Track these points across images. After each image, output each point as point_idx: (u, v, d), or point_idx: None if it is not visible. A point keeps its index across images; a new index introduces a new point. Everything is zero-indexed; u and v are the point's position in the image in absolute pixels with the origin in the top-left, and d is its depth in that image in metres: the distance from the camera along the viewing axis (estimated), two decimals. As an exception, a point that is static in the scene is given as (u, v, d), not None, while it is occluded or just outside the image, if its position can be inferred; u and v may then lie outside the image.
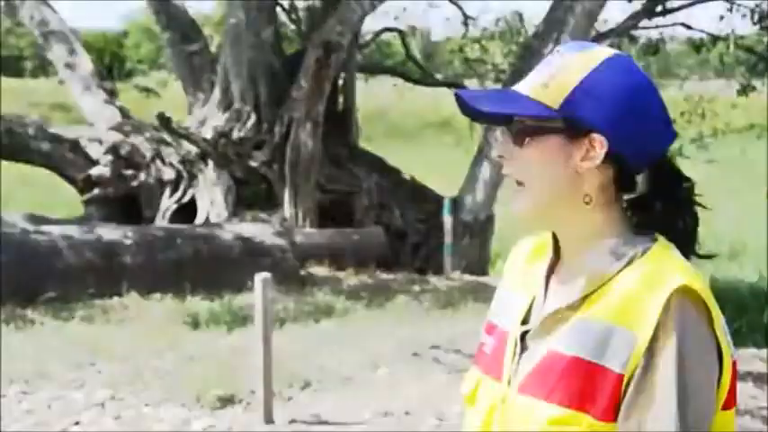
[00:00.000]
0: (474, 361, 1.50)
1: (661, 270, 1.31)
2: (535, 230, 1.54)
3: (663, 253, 1.36)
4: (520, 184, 1.37)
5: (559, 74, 1.35)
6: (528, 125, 1.35)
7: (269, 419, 5.09)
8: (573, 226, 1.38)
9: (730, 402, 1.33)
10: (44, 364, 5.87)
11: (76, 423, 5.06)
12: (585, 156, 1.34)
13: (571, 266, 1.39)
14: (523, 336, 1.40)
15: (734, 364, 1.32)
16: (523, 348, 1.39)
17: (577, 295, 1.35)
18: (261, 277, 5.18)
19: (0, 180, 14.08)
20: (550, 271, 1.43)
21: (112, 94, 11.89)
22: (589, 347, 1.29)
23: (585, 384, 1.29)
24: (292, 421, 5.15)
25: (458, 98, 1.37)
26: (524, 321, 1.42)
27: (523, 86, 1.37)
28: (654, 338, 1.26)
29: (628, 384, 1.28)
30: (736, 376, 1.33)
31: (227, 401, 5.33)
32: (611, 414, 1.28)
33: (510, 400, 1.37)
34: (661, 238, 1.37)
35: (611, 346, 1.28)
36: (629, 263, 1.34)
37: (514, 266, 1.52)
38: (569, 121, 1.34)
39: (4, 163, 12.08)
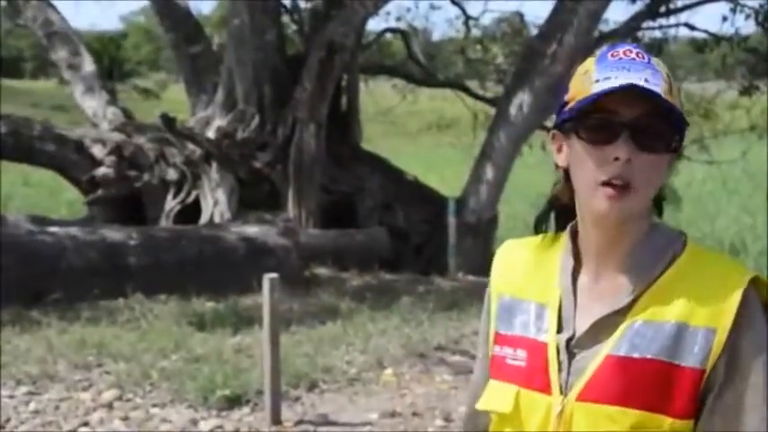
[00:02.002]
0: (495, 375, 1.45)
1: (719, 265, 1.36)
2: (522, 233, 1.54)
3: (699, 248, 1.40)
4: (627, 187, 1.31)
5: (667, 81, 1.33)
6: (668, 130, 1.33)
7: (276, 420, 5.10)
8: (634, 228, 1.37)
9: None
10: (51, 365, 5.88)
11: (85, 424, 5.07)
12: (671, 161, 1.37)
13: (606, 270, 1.39)
14: (566, 343, 1.38)
15: None
16: (570, 357, 1.37)
17: (627, 298, 1.35)
18: (268, 278, 5.19)
19: (1, 181, 14.09)
20: (574, 277, 1.41)
21: (113, 96, 11.91)
22: (662, 348, 1.31)
23: (662, 385, 1.30)
24: (299, 422, 5.16)
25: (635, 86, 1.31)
26: (557, 330, 1.40)
27: (649, 85, 1.31)
28: (734, 332, 1.29)
29: (708, 378, 1.30)
30: None
31: (234, 402, 5.33)
32: (691, 411, 1.30)
33: (569, 411, 1.34)
34: (683, 232, 1.41)
35: (687, 344, 1.30)
36: (672, 260, 1.36)
37: (511, 272, 1.50)
38: (682, 135, 1.36)
39: (5, 163, 12.09)
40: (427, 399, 5.55)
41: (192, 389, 5.43)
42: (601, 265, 1.38)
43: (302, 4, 12.24)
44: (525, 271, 1.48)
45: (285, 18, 12.13)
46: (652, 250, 1.36)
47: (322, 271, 9.13)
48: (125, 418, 5.15)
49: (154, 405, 5.33)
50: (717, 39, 12.60)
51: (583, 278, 1.41)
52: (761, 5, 11.61)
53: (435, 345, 6.58)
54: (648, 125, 1.31)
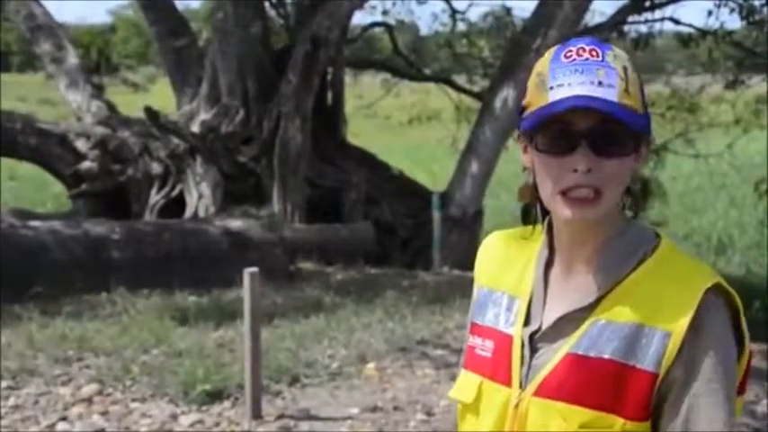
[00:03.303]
0: (466, 364, 1.46)
1: (684, 268, 1.33)
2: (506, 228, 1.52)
3: (672, 249, 1.37)
4: (598, 193, 1.29)
5: (623, 77, 1.30)
6: (628, 132, 1.29)
7: (257, 415, 5.09)
8: (604, 226, 1.36)
9: (741, 389, 1.36)
10: (31, 359, 5.85)
11: (63, 418, 5.05)
12: (637, 158, 1.34)
13: (576, 265, 1.38)
14: (530, 337, 1.38)
15: (750, 353, 1.35)
16: (533, 351, 1.37)
17: (592, 297, 1.34)
18: (249, 272, 5.17)
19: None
20: (547, 269, 1.41)
21: (99, 89, 11.85)
22: (618, 349, 1.29)
23: (616, 385, 1.29)
24: (280, 416, 5.14)
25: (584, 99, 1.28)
26: (525, 322, 1.40)
27: (603, 92, 1.27)
28: (690, 337, 1.28)
29: (662, 382, 1.29)
30: (750, 365, 1.36)
31: (214, 397, 5.32)
32: (643, 413, 1.29)
33: (525, 405, 1.34)
34: (661, 232, 1.39)
35: (642, 346, 1.29)
36: (641, 261, 1.35)
37: (490, 263, 1.50)
38: (646, 129, 1.33)
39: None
40: (409, 393, 5.55)
41: (172, 383, 5.42)
42: (572, 259, 1.38)
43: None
44: (503, 263, 1.47)
45: (270, 11, 12.09)
46: (623, 249, 1.35)
47: (307, 265, 9.11)
48: (104, 413, 5.13)
49: (134, 400, 5.31)
50: (702, 33, 12.61)
51: (555, 271, 1.40)
52: (745, 0, 11.63)
53: (418, 339, 6.58)
54: (606, 132, 1.28)
